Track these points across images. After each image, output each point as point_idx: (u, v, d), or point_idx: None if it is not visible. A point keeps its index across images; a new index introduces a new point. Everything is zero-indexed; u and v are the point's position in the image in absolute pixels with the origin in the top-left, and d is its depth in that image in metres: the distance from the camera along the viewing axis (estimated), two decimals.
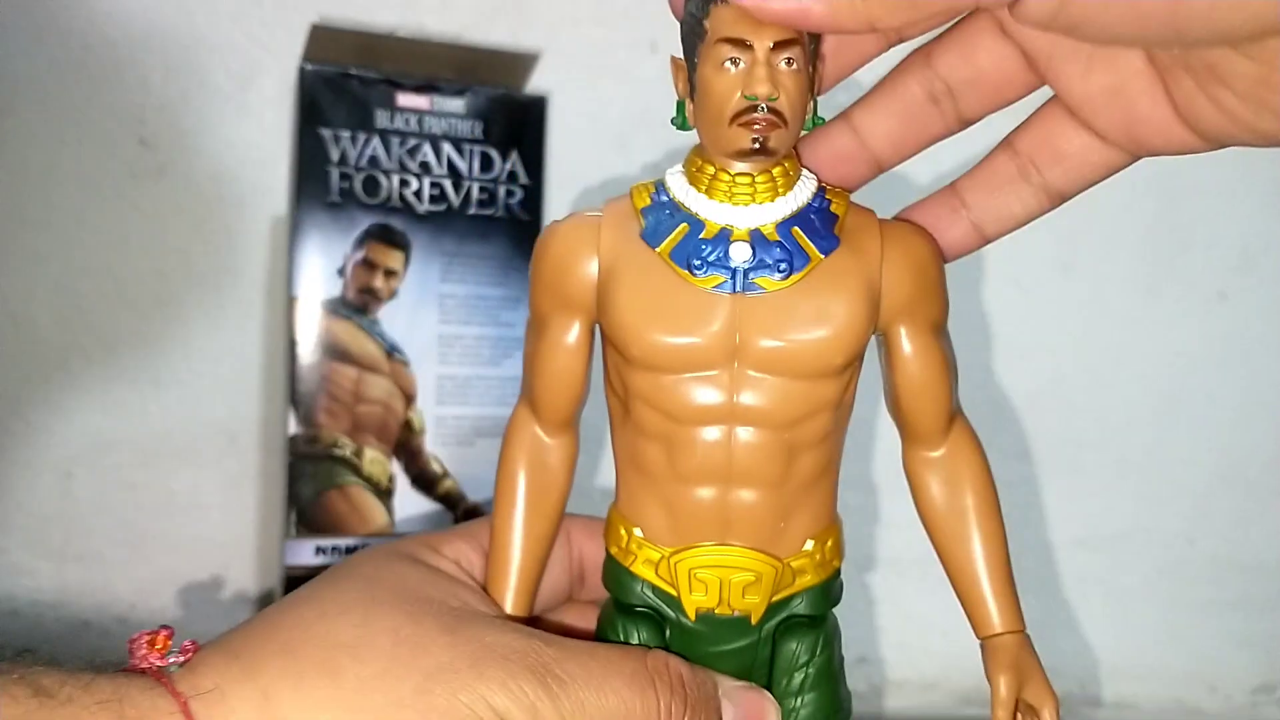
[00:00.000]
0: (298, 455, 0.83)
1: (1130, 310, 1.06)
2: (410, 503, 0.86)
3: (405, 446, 0.86)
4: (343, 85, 0.83)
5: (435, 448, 0.87)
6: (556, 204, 0.96)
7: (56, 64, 0.90)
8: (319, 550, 0.83)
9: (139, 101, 0.91)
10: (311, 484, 0.83)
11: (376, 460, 0.85)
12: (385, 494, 0.85)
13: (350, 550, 0.84)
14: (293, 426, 0.83)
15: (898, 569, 1.05)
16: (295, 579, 0.83)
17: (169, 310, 0.93)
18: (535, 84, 0.92)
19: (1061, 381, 1.05)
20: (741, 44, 0.47)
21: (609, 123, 0.96)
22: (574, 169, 0.96)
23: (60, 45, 0.90)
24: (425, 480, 0.87)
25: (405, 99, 0.85)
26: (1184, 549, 1.09)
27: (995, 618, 0.52)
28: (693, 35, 0.49)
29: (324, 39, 0.84)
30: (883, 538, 1.04)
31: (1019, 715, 0.52)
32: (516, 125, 0.89)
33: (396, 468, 0.86)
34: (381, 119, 0.84)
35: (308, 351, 0.83)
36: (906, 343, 0.52)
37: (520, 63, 0.90)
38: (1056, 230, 1.06)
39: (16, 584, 0.93)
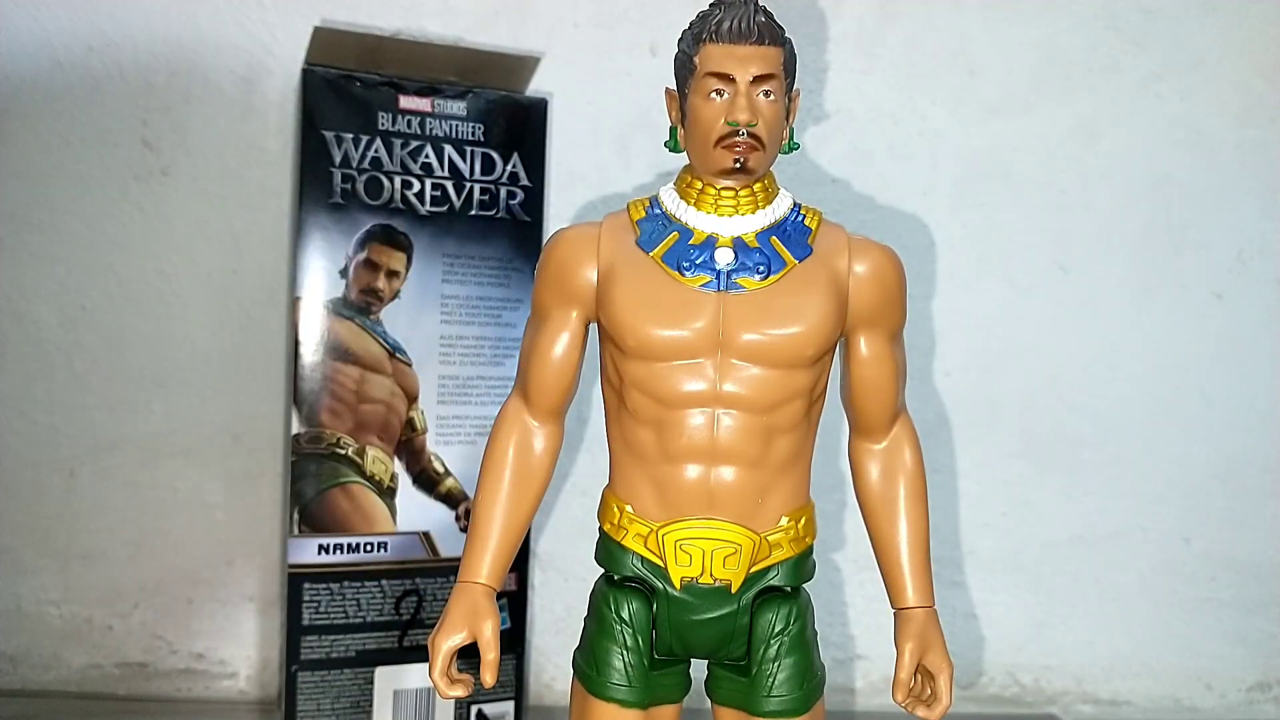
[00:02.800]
0: (300, 454, 0.84)
1: (1126, 311, 1.06)
2: (412, 501, 0.87)
3: (408, 445, 0.87)
4: (345, 88, 0.84)
5: (436, 447, 0.88)
6: (558, 205, 0.96)
7: (60, 66, 0.91)
8: (321, 548, 0.84)
9: (142, 103, 0.92)
10: (314, 482, 0.84)
11: (379, 459, 0.86)
12: (388, 493, 0.86)
13: (353, 548, 0.85)
14: (295, 426, 0.84)
15: None
16: (298, 577, 0.84)
17: (172, 310, 0.94)
18: (536, 86, 0.93)
19: (1058, 381, 1.06)
20: (726, 78, 0.55)
21: (609, 124, 0.97)
22: (575, 170, 0.97)
23: (64, 47, 0.91)
24: (427, 479, 0.87)
25: (407, 101, 0.85)
26: (1180, 548, 1.09)
27: (910, 593, 0.60)
28: (684, 70, 0.57)
29: (327, 42, 0.84)
30: None
31: (919, 677, 0.59)
32: (518, 127, 0.89)
33: (399, 466, 0.86)
34: (384, 121, 0.85)
35: (310, 351, 0.84)
36: (865, 347, 0.60)
37: (521, 65, 0.90)
38: (1053, 232, 1.07)
39: (21, 582, 0.94)
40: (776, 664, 0.57)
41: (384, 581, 0.86)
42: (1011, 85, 1.03)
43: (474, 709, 0.89)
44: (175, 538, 0.95)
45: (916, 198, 1.02)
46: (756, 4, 0.56)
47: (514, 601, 0.90)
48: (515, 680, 0.91)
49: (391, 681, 0.87)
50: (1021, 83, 1.03)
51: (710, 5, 0.57)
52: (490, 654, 0.56)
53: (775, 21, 0.56)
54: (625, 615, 0.58)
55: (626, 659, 0.57)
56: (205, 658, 0.97)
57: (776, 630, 0.57)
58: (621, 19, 0.96)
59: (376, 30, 0.92)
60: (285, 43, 0.92)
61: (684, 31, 0.57)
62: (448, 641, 0.56)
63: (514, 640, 0.91)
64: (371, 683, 0.86)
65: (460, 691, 0.56)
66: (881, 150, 1.02)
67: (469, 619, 0.56)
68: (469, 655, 0.57)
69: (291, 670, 0.84)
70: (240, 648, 0.97)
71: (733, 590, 0.57)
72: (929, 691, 0.58)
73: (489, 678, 0.57)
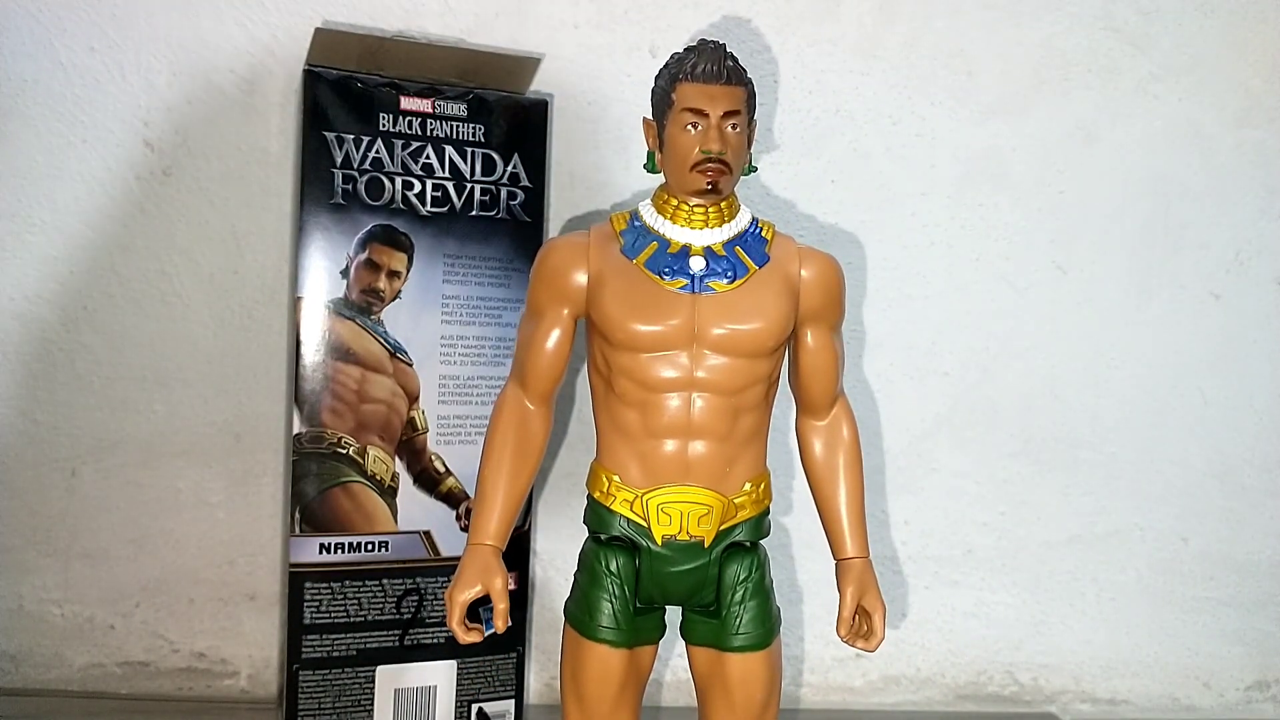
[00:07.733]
0: (301, 454, 0.84)
1: (1124, 311, 1.07)
2: (413, 501, 0.87)
3: (408, 445, 0.87)
4: (347, 88, 0.84)
5: (437, 447, 0.88)
6: (558, 206, 0.97)
7: (61, 66, 0.91)
8: (322, 548, 0.84)
9: (144, 104, 0.92)
10: (315, 482, 0.84)
11: (380, 459, 0.86)
12: (389, 492, 0.86)
13: (354, 548, 0.86)
14: (296, 425, 0.84)
15: (892, 567, 1.06)
16: (299, 576, 0.84)
17: (174, 310, 0.94)
18: (537, 87, 0.93)
19: (1056, 381, 1.06)
20: (700, 113, 0.64)
21: (610, 125, 0.97)
22: (575, 171, 0.97)
23: (65, 47, 0.91)
24: (428, 479, 0.88)
25: (408, 102, 0.86)
26: (1178, 547, 1.10)
27: (849, 545, 0.70)
28: (663, 104, 0.66)
29: (328, 43, 0.85)
30: (883, 537, 1.05)
31: (857, 617, 0.69)
32: (518, 128, 0.89)
33: (400, 466, 0.87)
34: (385, 122, 0.85)
35: (311, 351, 0.84)
36: (811, 338, 0.69)
37: (522, 66, 0.91)
38: (1051, 232, 1.07)
39: (23, 581, 0.94)
40: (742, 606, 0.67)
41: (385, 581, 0.86)
42: (1010, 86, 1.03)
43: (475, 707, 0.90)
44: (177, 537, 0.95)
45: (915, 198, 1.03)
46: (725, 50, 0.64)
47: (514, 601, 0.90)
48: (516, 679, 0.91)
49: (393, 680, 0.87)
50: (1020, 84, 1.03)
51: (685, 49, 0.65)
52: (501, 604, 0.66)
53: (740, 65, 0.65)
54: (614, 568, 0.67)
55: (615, 606, 0.66)
56: (207, 657, 0.97)
57: (741, 578, 0.67)
58: (621, 20, 0.96)
59: (377, 31, 0.92)
60: (286, 44, 0.92)
61: (661, 70, 0.66)
62: (463, 595, 0.65)
63: (514, 639, 0.91)
64: (372, 682, 0.87)
65: (475, 638, 0.65)
66: (880, 151, 1.02)
67: (481, 575, 0.65)
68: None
69: (293, 669, 0.85)
70: (242, 647, 0.97)
71: (705, 545, 0.67)
72: (866, 628, 0.68)
73: (500, 624, 0.66)
